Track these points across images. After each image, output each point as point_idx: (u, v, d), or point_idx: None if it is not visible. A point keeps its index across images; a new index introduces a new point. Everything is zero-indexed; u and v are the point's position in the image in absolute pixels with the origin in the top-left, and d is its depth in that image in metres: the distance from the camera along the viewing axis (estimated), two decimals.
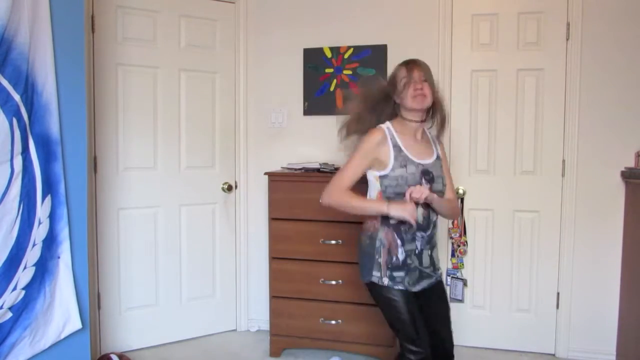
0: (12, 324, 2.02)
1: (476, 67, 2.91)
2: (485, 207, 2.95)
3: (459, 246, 2.96)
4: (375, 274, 1.95)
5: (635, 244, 2.61)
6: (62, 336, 2.18)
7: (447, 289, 3.01)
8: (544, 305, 2.90)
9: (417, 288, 1.97)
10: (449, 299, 2.99)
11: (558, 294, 2.88)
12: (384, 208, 1.88)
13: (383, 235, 1.95)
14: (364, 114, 2.07)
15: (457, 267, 2.98)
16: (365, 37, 3.05)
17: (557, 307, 2.88)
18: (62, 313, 2.17)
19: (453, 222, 2.97)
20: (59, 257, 2.16)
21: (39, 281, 2.09)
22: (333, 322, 2.77)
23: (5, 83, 1.93)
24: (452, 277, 2.99)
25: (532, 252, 2.90)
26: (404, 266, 1.94)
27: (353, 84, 3.07)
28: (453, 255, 2.98)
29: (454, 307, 3.01)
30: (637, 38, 2.69)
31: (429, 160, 1.99)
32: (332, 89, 3.11)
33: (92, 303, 2.72)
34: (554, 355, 2.89)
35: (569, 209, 2.82)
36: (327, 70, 3.11)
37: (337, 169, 2.82)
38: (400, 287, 1.93)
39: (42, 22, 2.05)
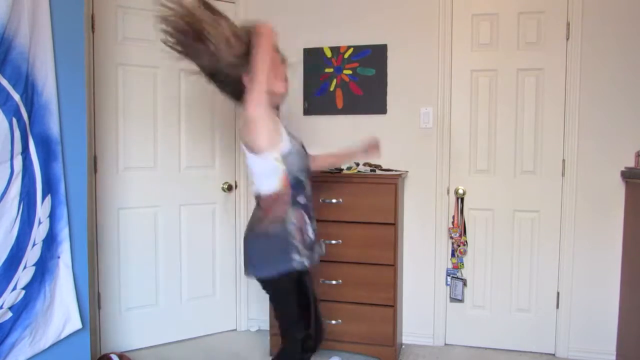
0: (12, 324, 2.01)
1: (476, 67, 2.91)
2: (485, 207, 2.95)
3: (459, 246, 2.96)
4: (296, 257, 1.86)
5: (635, 244, 2.61)
6: (62, 336, 2.18)
7: (447, 289, 3.02)
8: (544, 305, 2.90)
9: (314, 262, 1.97)
10: (448, 299, 3.02)
11: (558, 293, 2.88)
12: (268, 30, 1.79)
13: (293, 216, 1.88)
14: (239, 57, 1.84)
15: (457, 267, 2.98)
16: (365, 37, 3.05)
17: (557, 307, 2.88)
18: (62, 313, 2.17)
19: (453, 222, 2.97)
20: (59, 257, 2.15)
21: (39, 281, 2.08)
22: (333, 322, 2.77)
23: (5, 83, 1.93)
24: (452, 277, 2.99)
25: (532, 252, 2.90)
26: (311, 245, 1.93)
27: (353, 83, 3.07)
28: (453, 255, 2.98)
29: (454, 307, 3.03)
30: (637, 38, 2.70)
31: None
32: (332, 88, 3.11)
33: (92, 303, 2.72)
34: (554, 355, 2.89)
35: (569, 208, 2.82)
36: (327, 70, 3.11)
37: (337, 169, 2.82)
38: (307, 266, 1.90)
39: (42, 22, 2.05)
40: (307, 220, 1.93)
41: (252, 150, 1.85)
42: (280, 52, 1.96)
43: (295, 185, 1.89)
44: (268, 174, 1.86)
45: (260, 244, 1.92)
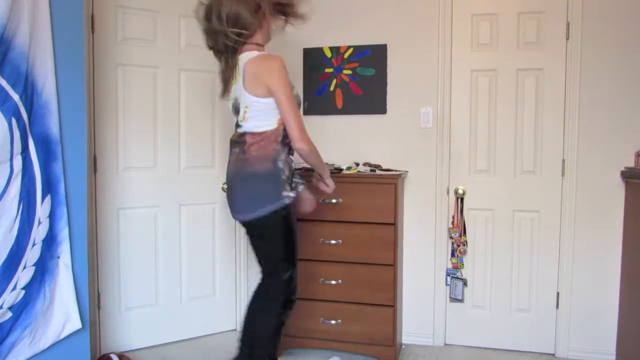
0: (11, 324, 2.02)
1: (476, 67, 2.91)
2: (485, 207, 2.95)
3: (458, 246, 2.96)
4: (285, 193, 2.01)
5: (635, 244, 2.60)
6: (62, 336, 2.18)
7: (447, 289, 3.02)
8: (543, 305, 2.90)
9: None
10: (448, 299, 3.02)
11: (558, 293, 2.88)
12: (327, 171, 2.22)
13: (284, 156, 2.04)
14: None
15: (457, 267, 2.98)
16: (365, 37, 3.05)
17: (557, 306, 2.88)
18: (62, 313, 2.17)
19: (453, 222, 2.97)
20: (58, 257, 2.16)
21: (38, 281, 2.09)
22: (333, 322, 2.77)
23: (4, 83, 1.93)
24: (452, 277, 2.99)
25: (532, 252, 2.90)
26: (294, 174, 2.10)
27: (353, 83, 3.07)
28: (453, 255, 2.98)
29: (454, 307, 3.03)
30: (637, 38, 2.69)
31: None
32: (331, 88, 3.11)
33: (92, 303, 2.72)
34: (553, 355, 2.89)
35: (569, 208, 2.82)
36: (327, 70, 3.11)
37: (337, 169, 2.82)
38: (294, 197, 2.06)
39: (42, 22, 2.05)
40: (291, 157, 2.11)
41: (259, 92, 2.00)
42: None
43: (285, 129, 2.04)
44: (269, 113, 2.02)
45: (250, 185, 2.03)
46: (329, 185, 2.24)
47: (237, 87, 2.08)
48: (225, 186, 2.18)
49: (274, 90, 1.97)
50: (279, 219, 2.02)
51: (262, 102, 2.01)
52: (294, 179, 2.11)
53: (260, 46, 2.14)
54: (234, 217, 2.14)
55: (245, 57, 2.05)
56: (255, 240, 2.15)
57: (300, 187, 2.17)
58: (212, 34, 2.03)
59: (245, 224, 2.13)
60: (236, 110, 2.12)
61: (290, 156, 2.11)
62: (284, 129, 2.03)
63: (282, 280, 2.09)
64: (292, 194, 2.04)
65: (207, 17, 2.04)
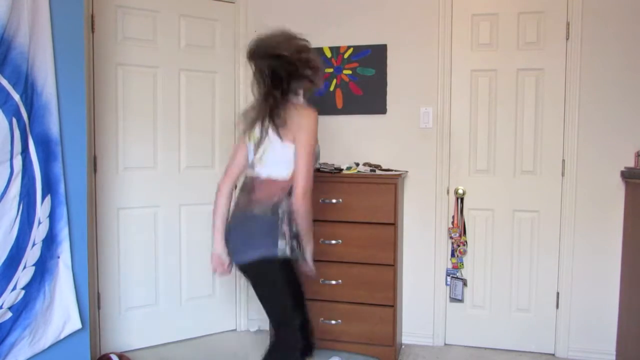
0: (11, 324, 2.02)
1: (476, 67, 2.91)
2: (485, 207, 2.95)
3: (458, 246, 2.96)
4: (281, 245, 1.89)
5: (635, 244, 2.61)
6: (62, 336, 2.18)
7: (447, 289, 3.02)
8: (543, 305, 2.90)
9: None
10: (448, 299, 3.02)
11: (558, 293, 2.88)
12: (311, 244, 1.99)
13: (286, 205, 1.92)
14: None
15: (457, 267, 2.98)
16: (365, 37, 3.05)
17: (557, 306, 2.88)
18: (61, 313, 2.17)
19: (453, 222, 2.97)
20: (58, 257, 2.16)
21: (38, 281, 2.09)
22: (333, 322, 2.77)
23: (5, 83, 1.93)
24: (452, 277, 2.99)
25: (532, 252, 2.90)
26: (296, 237, 1.95)
27: (353, 84, 3.07)
28: (453, 255, 2.98)
29: (454, 307, 3.03)
30: (637, 37, 2.69)
31: None
32: (331, 88, 3.11)
33: (92, 303, 2.72)
34: (553, 355, 2.89)
35: (569, 208, 2.82)
36: (327, 70, 3.11)
37: (337, 169, 2.82)
38: (294, 258, 1.94)
39: (42, 22, 2.05)
40: (293, 215, 1.95)
41: (286, 139, 1.91)
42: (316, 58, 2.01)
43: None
44: (286, 162, 1.92)
45: (247, 226, 1.95)
46: (310, 267, 2.03)
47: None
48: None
49: (299, 141, 1.91)
50: (275, 267, 1.91)
51: (279, 144, 1.93)
52: (294, 243, 1.96)
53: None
54: (231, 259, 2.06)
55: None
56: (254, 288, 2.03)
57: (299, 258, 2.03)
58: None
59: (240, 268, 2.03)
60: (255, 148, 2.03)
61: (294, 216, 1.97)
62: (293, 180, 1.93)
63: (295, 327, 1.93)
64: (287, 250, 1.90)
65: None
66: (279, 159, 1.94)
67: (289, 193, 1.92)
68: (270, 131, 1.93)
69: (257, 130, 1.98)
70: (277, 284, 1.92)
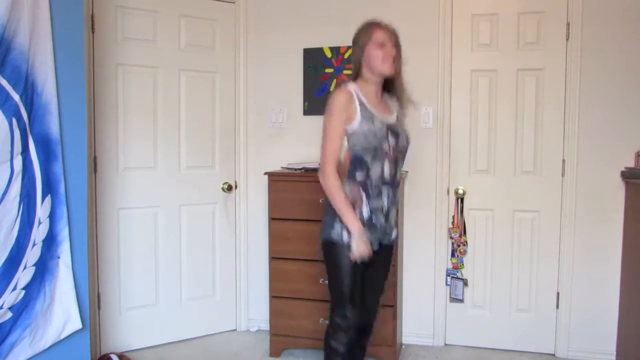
0: (12, 324, 2.02)
1: (476, 67, 2.91)
2: (485, 207, 2.95)
3: (459, 246, 2.96)
4: (337, 228, 1.92)
5: (635, 244, 2.61)
6: (62, 336, 2.18)
7: (447, 289, 3.02)
8: (543, 305, 2.90)
9: (375, 247, 1.96)
10: (448, 299, 3.02)
11: (558, 293, 2.88)
12: (353, 227, 1.89)
13: (348, 189, 1.94)
14: None
15: (457, 267, 2.98)
16: None
17: (557, 307, 2.88)
18: (62, 313, 2.17)
19: (453, 222, 2.97)
20: (58, 257, 2.16)
21: (39, 281, 2.09)
22: None
23: (5, 83, 1.93)
24: (452, 277, 2.99)
25: (532, 252, 2.90)
26: (368, 224, 1.93)
27: None
28: (453, 255, 2.98)
29: (454, 307, 3.03)
30: (637, 38, 2.69)
31: (391, 118, 2.03)
32: (332, 89, 3.10)
33: (92, 303, 2.72)
34: (553, 355, 2.89)
35: (569, 208, 2.82)
36: (327, 70, 3.11)
37: None
38: (347, 242, 1.92)
39: (42, 22, 2.05)
40: (364, 198, 1.93)
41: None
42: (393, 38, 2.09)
43: (355, 162, 1.93)
44: (342, 147, 1.96)
45: (323, 206, 2.07)
46: (351, 248, 1.91)
47: None
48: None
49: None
50: (333, 249, 1.95)
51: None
52: (366, 223, 1.95)
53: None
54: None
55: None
56: None
57: (374, 238, 1.99)
58: None
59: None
60: None
61: (366, 197, 1.94)
62: (352, 163, 1.94)
63: (334, 322, 1.99)
64: (343, 236, 1.91)
65: None
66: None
67: (350, 176, 1.95)
68: None
69: None
70: (335, 266, 1.96)
